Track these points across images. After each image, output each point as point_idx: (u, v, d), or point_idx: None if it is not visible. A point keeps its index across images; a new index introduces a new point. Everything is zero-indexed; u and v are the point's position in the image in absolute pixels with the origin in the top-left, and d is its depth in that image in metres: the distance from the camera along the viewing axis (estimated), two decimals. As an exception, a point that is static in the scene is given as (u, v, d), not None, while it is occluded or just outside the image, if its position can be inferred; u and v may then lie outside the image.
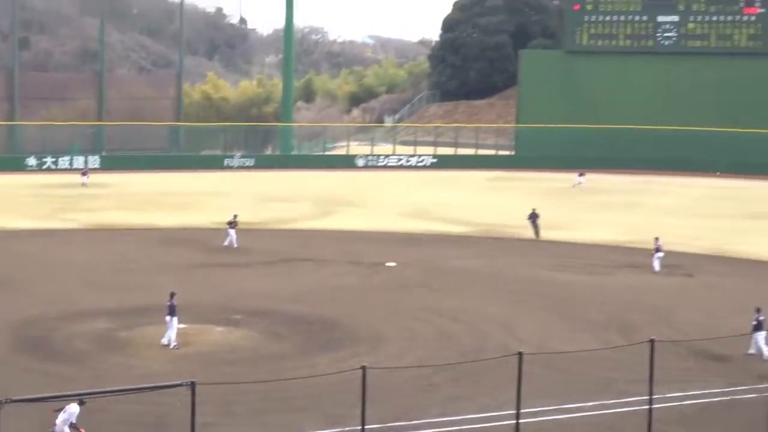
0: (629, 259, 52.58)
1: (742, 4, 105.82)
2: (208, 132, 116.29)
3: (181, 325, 33.53)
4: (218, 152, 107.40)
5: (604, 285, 46.09)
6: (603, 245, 57.71)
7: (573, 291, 44.33)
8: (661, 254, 49.48)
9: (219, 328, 35.90)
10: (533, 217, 60.01)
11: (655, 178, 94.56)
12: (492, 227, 63.52)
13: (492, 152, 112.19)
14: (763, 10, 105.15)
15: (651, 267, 49.27)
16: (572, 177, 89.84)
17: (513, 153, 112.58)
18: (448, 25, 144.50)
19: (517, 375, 22.89)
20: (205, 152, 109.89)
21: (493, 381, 28.50)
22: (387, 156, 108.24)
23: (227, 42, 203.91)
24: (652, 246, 50.26)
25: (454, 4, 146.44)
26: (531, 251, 55.12)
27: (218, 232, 55.76)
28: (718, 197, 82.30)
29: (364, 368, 21.17)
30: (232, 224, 53.89)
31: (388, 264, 49.74)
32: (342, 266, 49.42)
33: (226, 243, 53.53)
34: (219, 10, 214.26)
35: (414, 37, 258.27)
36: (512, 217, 62.49)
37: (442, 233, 61.63)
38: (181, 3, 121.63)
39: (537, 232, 59.45)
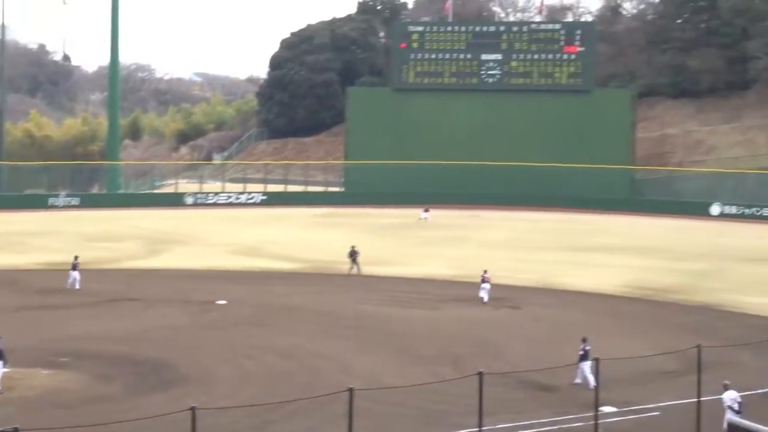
0: (458, 292, 53.15)
1: (562, 43, 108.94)
2: (32, 171, 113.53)
3: (6, 369, 32.52)
4: (42, 191, 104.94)
5: (433, 319, 46.46)
6: (432, 279, 58.31)
7: (403, 325, 44.55)
8: (488, 286, 50.30)
9: (45, 372, 34.90)
10: (353, 254, 60.47)
11: (482, 213, 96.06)
12: (321, 264, 63.58)
13: (321, 189, 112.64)
14: (582, 49, 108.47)
15: (479, 299, 50.01)
16: (403, 212, 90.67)
17: (342, 189, 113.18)
18: (276, 62, 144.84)
19: (348, 410, 22.89)
20: (28, 191, 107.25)
21: (326, 417, 28.42)
22: (216, 194, 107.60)
23: (50, 79, 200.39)
24: (479, 279, 51.02)
25: (281, 42, 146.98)
26: (361, 287, 55.27)
27: (45, 273, 54.32)
28: (543, 231, 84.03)
29: (193, 409, 20.85)
30: (75, 266, 52.71)
31: (218, 302, 49.27)
32: (171, 305, 48.71)
33: (75, 286, 52.10)
34: (42, 46, 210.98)
35: (242, 74, 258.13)
36: (341, 254, 62.56)
37: (272, 270, 61.44)
38: (2, 39, 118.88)
39: (357, 269, 59.87)
